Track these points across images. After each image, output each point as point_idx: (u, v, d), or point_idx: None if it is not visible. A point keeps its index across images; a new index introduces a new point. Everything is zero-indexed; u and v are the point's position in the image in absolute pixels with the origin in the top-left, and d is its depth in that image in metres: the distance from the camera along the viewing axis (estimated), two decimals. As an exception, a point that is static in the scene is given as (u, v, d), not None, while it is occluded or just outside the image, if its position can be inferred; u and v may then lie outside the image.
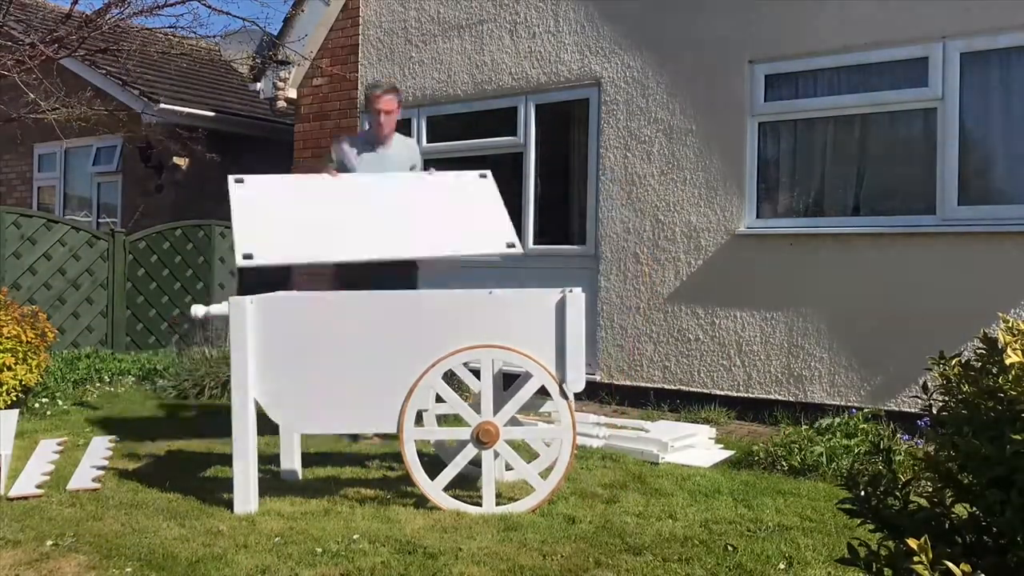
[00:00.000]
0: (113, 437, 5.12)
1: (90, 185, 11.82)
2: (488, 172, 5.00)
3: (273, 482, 4.05)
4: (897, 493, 1.87)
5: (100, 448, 4.79)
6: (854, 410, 5.09)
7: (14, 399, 5.68)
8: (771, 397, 5.97)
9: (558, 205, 7.14)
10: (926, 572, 1.54)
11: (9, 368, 5.56)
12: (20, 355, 5.64)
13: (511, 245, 4.52)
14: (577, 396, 4.20)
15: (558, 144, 7.17)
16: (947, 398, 1.91)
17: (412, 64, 7.94)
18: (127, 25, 8.70)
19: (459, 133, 7.71)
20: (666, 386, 6.42)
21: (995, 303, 5.05)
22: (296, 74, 8.75)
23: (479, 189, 4.84)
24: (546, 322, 3.64)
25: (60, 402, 6.27)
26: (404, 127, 8.05)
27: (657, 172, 6.50)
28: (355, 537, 3.26)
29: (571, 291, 3.65)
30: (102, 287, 8.60)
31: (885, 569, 1.67)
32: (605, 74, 6.78)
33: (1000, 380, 1.76)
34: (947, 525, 1.78)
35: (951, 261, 5.39)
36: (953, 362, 1.93)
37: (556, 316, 3.64)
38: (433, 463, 4.05)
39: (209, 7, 7.98)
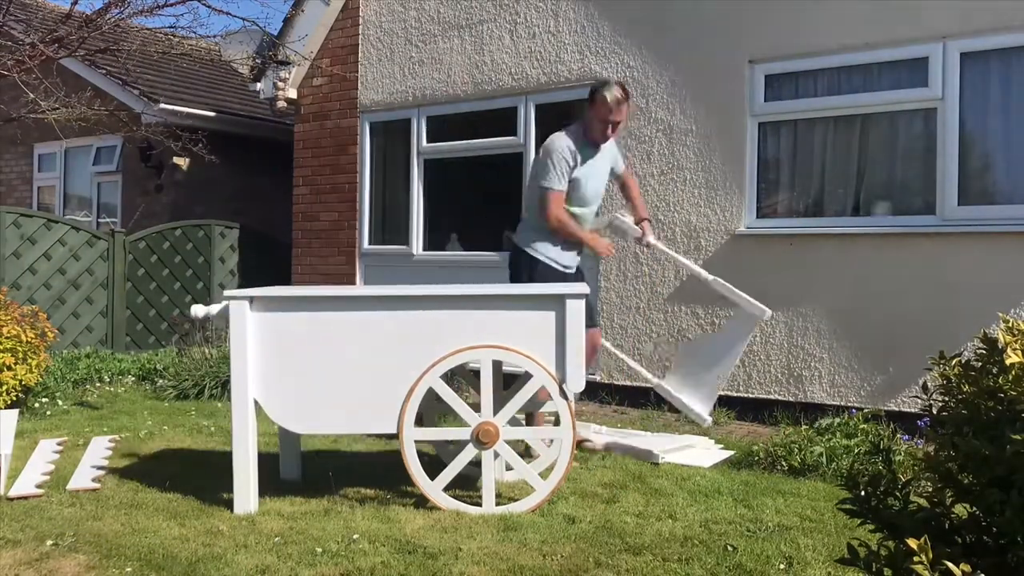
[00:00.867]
0: (113, 437, 5.12)
1: (90, 185, 11.82)
2: None
3: (273, 482, 4.05)
4: (897, 493, 1.87)
5: (100, 448, 4.79)
6: (854, 410, 5.09)
7: (14, 399, 5.68)
8: (771, 397, 5.97)
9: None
10: (926, 572, 1.54)
11: (9, 368, 5.56)
12: (20, 355, 5.64)
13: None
14: (577, 396, 4.21)
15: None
16: (947, 398, 1.91)
17: (412, 64, 7.94)
18: (127, 25, 8.70)
19: (459, 133, 7.71)
20: (666, 386, 6.41)
21: (995, 303, 5.05)
22: (296, 74, 8.75)
23: None
24: (546, 322, 3.64)
25: (60, 402, 6.27)
26: (404, 127, 8.07)
27: (657, 172, 6.50)
28: (355, 537, 3.26)
29: (572, 291, 3.65)
30: (102, 287, 8.61)
31: (885, 569, 1.67)
32: (605, 74, 6.78)
33: (1000, 380, 1.76)
34: (947, 525, 1.78)
35: (951, 261, 5.39)
36: (953, 362, 1.93)
37: (557, 316, 3.64)
38: (433, 463, 4.05)
39: (209, 7, 7.97)
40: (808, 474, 4.28)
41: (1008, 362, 1.74)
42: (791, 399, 5.90)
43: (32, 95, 8.06)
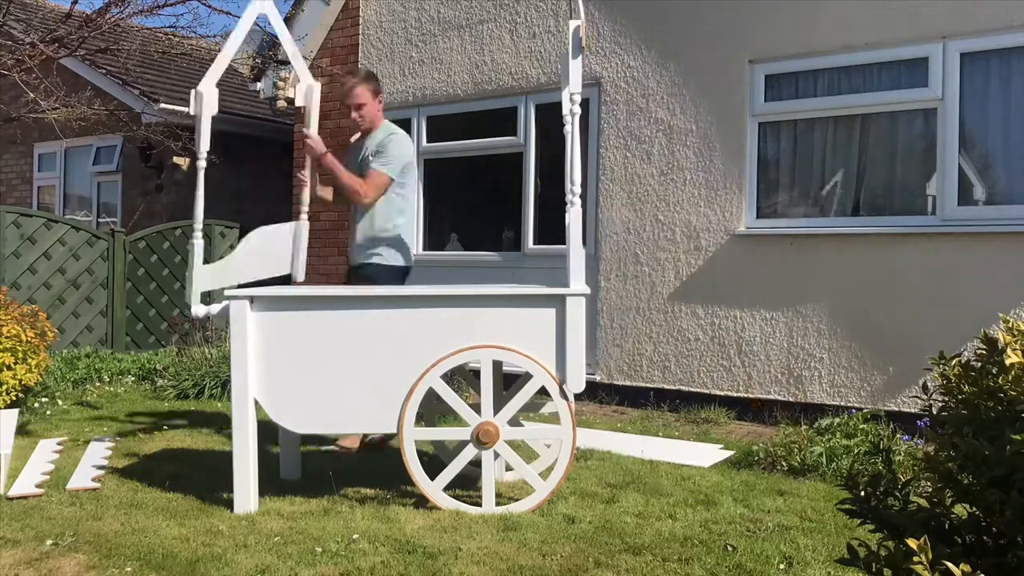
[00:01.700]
0: (113, 437, 5.12)
1: (90, 185, 11.82)
2: None
3: (273, 482, 4.05)
4: (897, 493, 1.87)
5: (100, 448, 4.79)
6: (854, 410, 5.09)
7: (14, 399, 5.67)
8: (771, 397, 5.97)
9: (558, 205, 7.14)
10: (926, 572, 1.53)
11: (9, 368, 5.56)
12: (20, 355, 5.64)
13: None
14: (577, 396, 4.21)
15: (558, 144, 7.16)
16: (947, 398, 1.91)
17: (412, 64, 7.94)
18: (127, 25, 8.69)
19: (459, 133, 7.71)
20: (666, 386, 6.41)
21: (995, 303, 5.06)
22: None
23: None
24: (546, 322, 3.64)
25: (60, 402, 6.27)
26: (404, 126, 8.05)
27: (657, 172, 6.50)
28: (355, 537, 3.26)
29: (572, 291, 3.65)
30: (102, 287, 8.60)
31: (885, 569, 1.67)
32: (605, 74, 6.78)
33: (1000, 380, 1.76)
34: (947, 525, 1.78)
35: (951, 261, 5.39)
36: (953, 362, 1.93)
37: (556, 316, 3.63)
38: (433, 463, 4.05)
39: (209, 7, 7.97)
40: (808, 474, 4.28)
41: (1008, 362, 1.74)
42: (791, 399, 5.90)
43: (32, 95, 8.06)
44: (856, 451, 4.32)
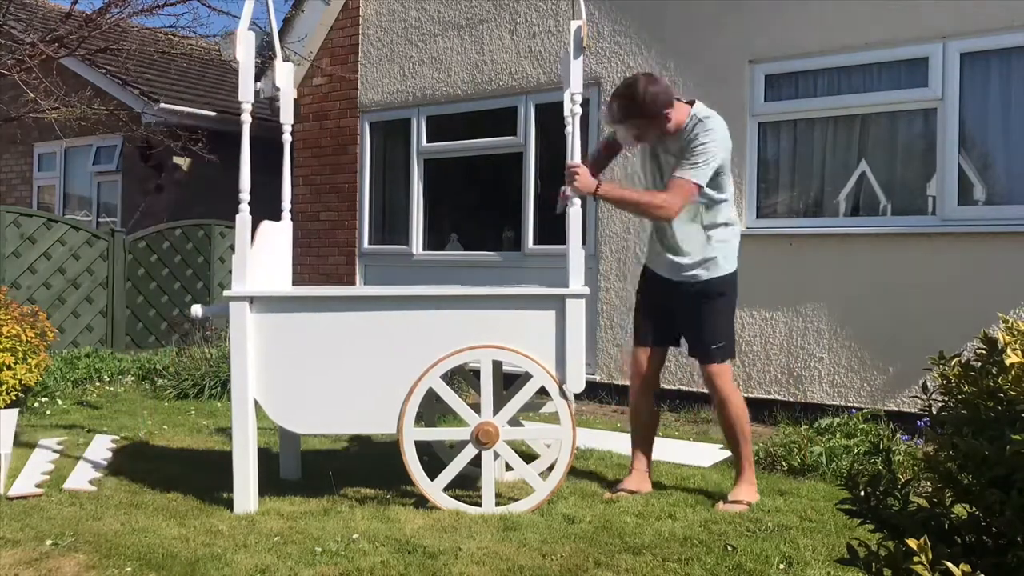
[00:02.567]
0: (113, 437, 5.12)
1: (90, 185, 11.82)
2: None
3: (273, 482, 4.05)
4: (897, 493, 1.87)
5: (100, 448, 4.79)
6: (854, 410, 5.10)
7: (14, 399, 5.67)
8: (771, 397, 5.97)
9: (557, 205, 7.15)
10: (926, 572, 1.53)
11: (9, 368, 5.55)
12: (20, 354, 5.63)
13: None
14: (577, 396, 4.20)
15: (558, 144, 7.16)
16: (947, 398, 1.90)
17: (412, 64, 7.94)
18: (127, 24, 8.70)
19: (459, 133, 7.71)
20: (666, 386, 6.41)
21: (995, 303, 5.05)
22: (296, 74, 8.74)
23: None
24: (546, 322, 3.64)
25: (60, 402, 6.27)
26: (404, 126, 8.06)
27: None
28: (355, 537, 3.26)
29: (572, 291, 3.64)
30: (102, 286, 8.61)
31: (885, 569, 1.67)
32: (605, 74, 6.78)
33: (1000, 380, 1.76)
34: (947, 525, 1.78)
35: (951, 261, 5.39)
36: (953, 362, 1.93)
37: (557, 316, 3.63)
38: (433, 463, 4.05)
39: (209, 7, 7.98)
40: (808, 474, 4.28)
41: (1008, 362, 1.73)
42: (791, 399, 5.90)
43: (32, 94, 8.06)
44: (856, 451, 4.32)
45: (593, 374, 6.63)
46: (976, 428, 1.75)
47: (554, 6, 7.09)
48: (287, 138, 4.42)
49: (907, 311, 5.51)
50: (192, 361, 7.03)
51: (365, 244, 8.31)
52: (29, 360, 5.70)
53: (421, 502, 3.71)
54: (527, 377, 3.65)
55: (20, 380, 5.62)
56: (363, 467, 4.47)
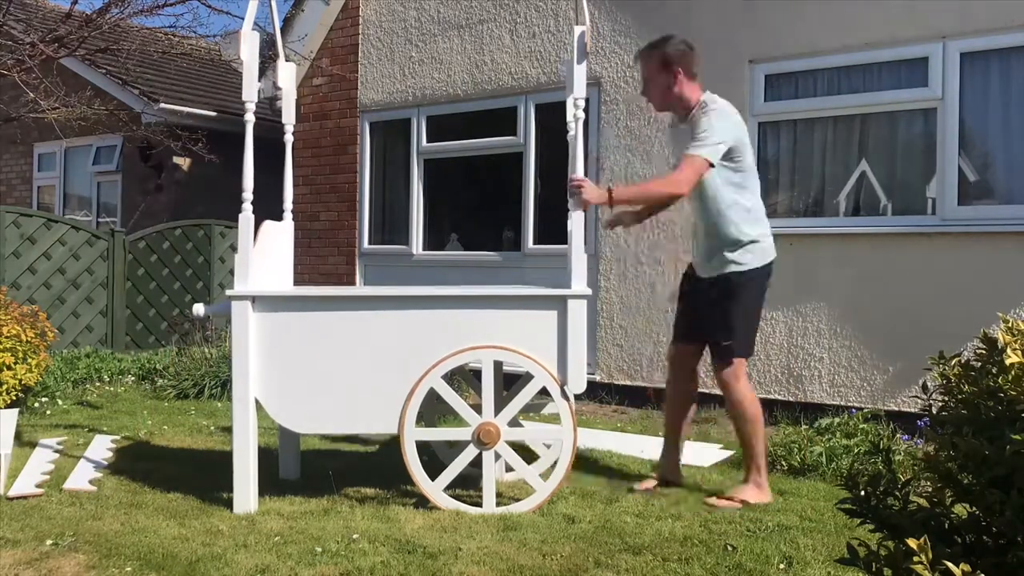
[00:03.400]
0: (113, 437, 5.12)
1: (90, 185, 11.82)
2: None
3: (273, 482, 4.05)
4: (897, 493, 1.87)
5: (100, 448, 4.79)
6: (854, 410, 5.10)
7: (14, 399, 5.67)
8: (771, 397, 5.97)
9: (558, 205, 7.16)
10: (926, 572, 1.53)
11: (9, 368, 5.56)
12: (20, 355, 5.63)
13: None
14: (577, 396, 4.20)
15: (558, 144, 7.17)
16: (947, 398, 1.90)
17: (412, 64, 7.94)
18: (127, 25, 8.70)
19: (459, 133, 7.71)
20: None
21: (995, 303, 5.05)
22: (296, 74, 8.75)
23: None
24: (548, 323, 3.64)
25: (60, 402, 6.27)
26: (403, 126, 8.06)
27: (657, 172, 6.50)
28: (355, 537, 3.26)
29: (574, 292, 3.64)
30: (102, 287, 8.61)
31: (885, 569, 1.67)
32: (605, 74, 6.78)
33: (1000, 380, 1.76)
34: (947, 525, 1.78)
35: (951, 261, 5.39)
36: (953, 362, 1.93)
37: (558, 316, 3.63)
38: (433, 463, 4.05)
39: (209, 7, 7.98)
40: (808, 474, 4.28)
41: (1008, 362, 1.73)
42: (791, 399, 5.90)
43: (32, 95, 8.06)
44: (856, 451, 4.32)
45: (593, 374, 6.63)
46: (976, 428, 1.75)
47: (554, 6, 7.09)
48: (289, 138, 4.42)
49: (907, 311, 5.51)
50: (192, 361, 7.03)
51: (365, 244, 8.32)
52: (29, 360, 5.70)
53: (421, 502, 3.71)
54: (528, 377, 3.65)
55: (20, 380, 5.62)
56: (363, 467, 4.47)
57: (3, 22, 8.22)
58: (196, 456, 4.72)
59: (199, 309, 4.00)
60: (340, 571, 2.94)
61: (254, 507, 3.64)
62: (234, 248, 9.62)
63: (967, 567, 1.50)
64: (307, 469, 4.28)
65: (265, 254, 4.00)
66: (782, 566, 3.00)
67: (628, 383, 6.60)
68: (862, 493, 1.89)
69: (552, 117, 7.00)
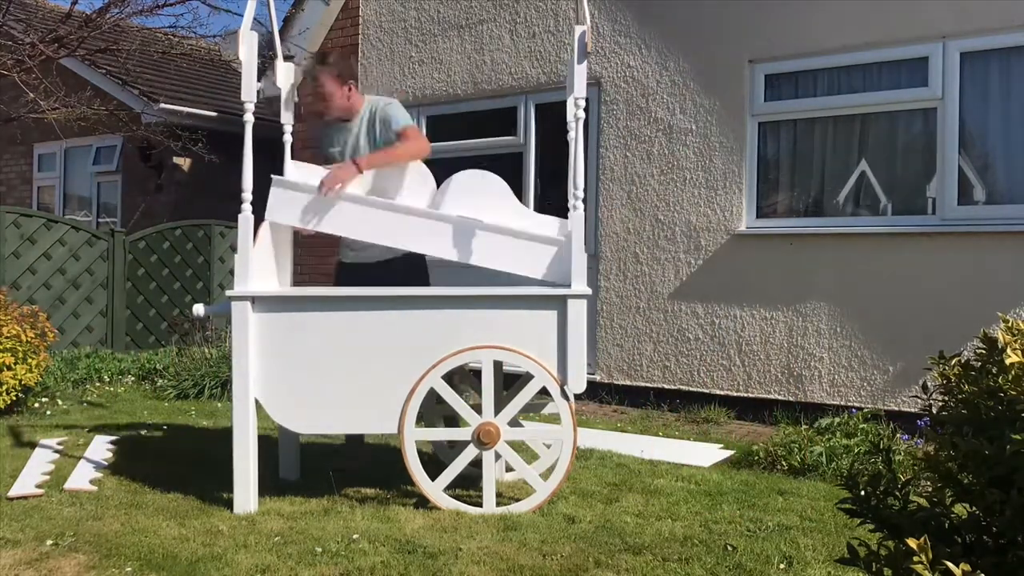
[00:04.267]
0: (113, 437, 5.12)
1: (90, 185, 11.82)
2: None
3: (273, 482, 4.05)
4: (897, 493, 1.87)
5: (100, 448, 4.79)
6: (854, 410, 5.10)
7: (14, 399, 5.68)
8: (771, 397, 5.97)
9: (558, 204, 7.16)
10: (926, 572, 1.54)
11: (9, 368, 5.57)
12: (20, 355, 5.65)
13: None
14: (577, 396, 4.20)
15: (558, 144, 7.17)
16: (947, 398, 1.91)
17: (412, 64, 7.94)
18: (127, 25, 8.71)
19: (459, 133, 7.71)
20: (666, 386, 6.42)
21: (995, 303, 5.05)
22: (296, 74, 8.74)
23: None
24: (548, 323, 3.64)
25: (60, 402, 6.27)
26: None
27: (657, 172, 6.50)
28: (355, 537, 3.26)
29: (574, 292, 3.64)
30: (102, 287, 8.61)
31: (885, 569, 1.67)
32: (605, 74, 6.78)
33: (1000, 380, 1.76)
34: (947, 525, 1.78)
35: (951, 261, 5.39)
36: (953, 362, 1.93)
37: (558, 316, 3.63)
38: (433, 463, 4.05)
39: (209, 6, 7.98)
40: (808, 474, 4.28)
41: (1008, 362, 1.74)
42: (791, 399, 5.90)
43: (32, 95, 8.07)
44: (856, 451, 4.32)
45: (593, 374, 6.63)
46: (976, 428, 1.76)
47: (554, 6, 7.09)
48: (288, 138, 4.42)
49: (907, 311, 5.51)
50: (192, 361, 7.03)
51: (365, 244, 8.30)
52: (29, 360, 5.72)
53: (421, 502, 3.71)
54: (528, 377, 3.66)
55: (20, 380, 5.64)
56: (363, 467, 4.47)
57: (3, 22, 8.22)
58: (196, 456, 4.72)
59: (199, 309, 4.00)
60: (340, 571, 2.94)
61: (254, 507, 3.64)
62: (234, 248, 9.64)
63: (967, 567, 1.50)
64: (307, 469, 4.28)
65: (265, 254, 4.00)
66: (782, 566, 3.01)
67: (628, 383, 6.60)
68: (862, 493, 1.89)
69: (552, 117, 7.00)
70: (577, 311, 3.62)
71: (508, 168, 7.34)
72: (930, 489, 1.85)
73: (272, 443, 4.44)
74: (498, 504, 3.64)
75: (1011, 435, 1.62)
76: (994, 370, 1.80)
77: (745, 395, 6.08)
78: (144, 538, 3.26)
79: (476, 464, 3.71)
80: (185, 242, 9.33)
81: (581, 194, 3.69)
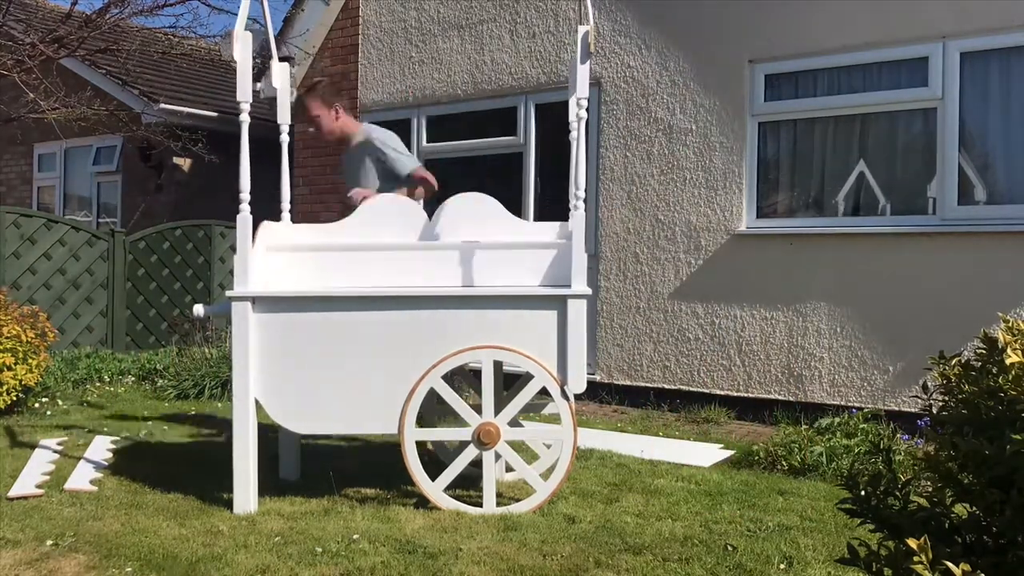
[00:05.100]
0: (113, 437, 5.12)
1: (90, 185, 11.82)
2: None
3: (273, 482, 4.05)
4: (897, 493, 1.87)
5: (100, 448, 4.79)
6: (854, 410, 5.10)
7: (14, 399, 5.68)
8: (771, 397, 5.97)
9: (558, 204, 7.16)
10: (926, 572, 1.54)
11: (9, 368, 5.57)
12: (20, 355, 5.65)
13: None
14: (577, 396, 4.21)
15: (558, 144, 7.17)
16: (947, 398, 1.91)
17: (412, 64, 7.94)
18: (127, 25, 8.71)
19: (459, 133, 7.71)
20: (666, 386, 6.42)
21: (995, 303, 5.05)
22: (296, 74, 8.75)
23: None
24: (548, 323, 3.64)
25: (60, 402, 6.27)
26: (404, 126, 8.05)
27: (657, 172, 6.50)
28: (355, 537, 3.26)
29: (574, 292, 3.65)
30: (102, 287, 8.61)
31: (885, 569, 1.67)
32: (605, 74, 6.78)
33: (1000, 380, 1.76)
34: (947, 525, 1.78)
35: (951, 261, 5.39)
36: (953, 362, 1.93)
37: (558, 316, 3.63)
38: (433, 463, 4.05)
39: (209, 7, 7.99)
40: (808, 474, 4.28)
41: (1008, 362, 1.74)
42: (791, 399, 5.90)
43: (32, 95, 8.07)
44: (856, 451, 4.32)
45: (593, 374, 6.63)
46: (976, 428, 1.76)
47: (554, 6, 7.09)
48: (284, 138, 4.42)
49: (907, 311, 5.51)
50: (192, 361, 7.03)
51: (365, 244, 8.30)
52: (29, 360, 5.72)
53: (421, 502, 3.71)
54: (528, 377, 3.66)
55: (20, 380, 5.64)
56: (363, 467, 4.47)
57: (3, 22, 8.22)
58: (196, 456, 4.72)
59: (199, 310, 4.00)
60: (340, 571, 2.94)
61: (254, 507, 3.64)
62: (234, 248, 9.65)
63: (967, 567, 1.50)
64: (307, 469, 4.28)
65: (264, 254, 3.99)
66: (782, 566, 3.01)
67: (628, 383, 6.60)
68: (862, 493, 1.89)
69: (552, 117, 7.00)
70: (577, 311, 3.62)
71: (508, 168, 7.34)
72: (930, 489, 1.85)
73: (272, 443, 4.44)
74: (498, 504, 3.64)
75: (1011, 435, 1.62)
76: (994, 370, 1.80)
77: (745, 395, 6.08)
78: (144, 538, 3.26)
79: (476, 464, 3.71)
80: (185, 242, 9.33)
81: (582, 194, 3.68)
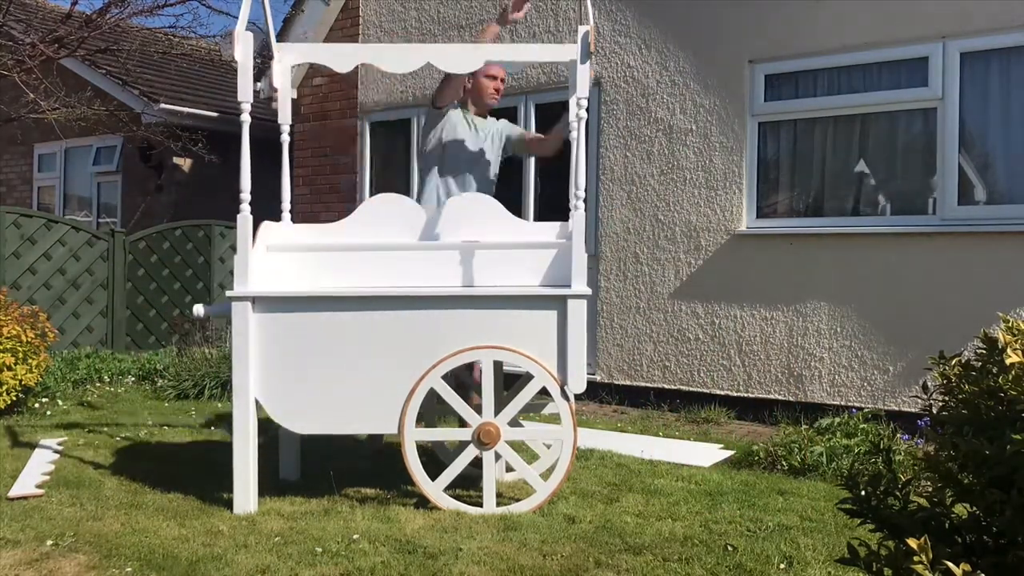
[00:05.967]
0: (113, 437, 5.12)
1: (90, 185, 11.82)
2: None
3: (273, 482, 4.05)
4: (897, 493, 1.87)
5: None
6: (854, 410, 5.10)
7: (14, 399, 5.68)
8: (771, 397, 5.97)
9: (558, 205, 7.16)
10: (926, 572, 1.54)
11: (9, 368, 5.57)
12: (20, 355, 5.65)
13: None
14: (577, 396, 4.21)
15: (558, 144, 7.18)
16: (947, 398, 1.91)
17: (412, 64, 7.93)
18: (127, 25, 8.71)
19: (459, 133, 7.70)
20: (666, 386, 6.42)
21: (995, 303, 5.05)
22: (296, 74, 8.75)
23: None
24: (548, 323, 3.64)
25: (60, 402, 6.27)
26: (404, 127, 8.06)
27: (657, 172, 6.51)
28: (355, 537, 3.26)
29: (574, 292, 3.65)
30: (102, 287, 8.61)
31: (885, 569, 1.67)
32: (605, 74, 6.78)
33: (1000, 380, 1.76)
34: (947, 525, 1.78)
35: (951, 261, 5.39)
36: (953, 362, 1.93)
37: (558, 316, 3.63)
38: (433, 463, 4.05)
39: (209, 7, 8.00)
40: (808, 474, 4.28)
41: (1008, 362, 1.74)
42: (791, 399, 5.90)
43: (32, 95, 8.07)
44: (856, 451, 4.32)
45: (593, 374, 6.63)
46: (976, 428, 1.76)
47: (554, 6, 7.09)
48: (285, 138, 4.41)
49: (907, 311, 5.51)
50: (192, 362, 7.03)
51: (365, 244, 8.30)
52: (29, 361, 5.72)
53: (422, 502, 3.71)
54: (528, 378, 3.66)
55: (20, 380, 5.64)
56: (363, 467, 4.47)
57: (3, 22, 8.22)
58: (196, 456, 4.72)
59: (199, 310, 4.00)
60: (340, 571, 2.94)
61: (254, 507, 3.64)
62: (234, 248, 9.66)
63: (967, 567, 1.50)
64: (307, 469, 4.28)
65: (264, 254, 3.99)
66: (782, 566, 3.01)
67: (628, 383, 6.60)
68: (862, 493, 1.89)
69: (551, 117, 7.00)
70: (577, 311, 3.62)
71: (508, 168, 7.33)
72: (930, 489, 1.85)
73: (272, 443, 4.44)
74: (498, 504, 3.64)
75: (1011, 435, 1.62)
76: (994, 370, 1.80)
77: (745, 395, 6.08)
78: (144, 538, 3.26)
79: (476, 464, 3.71)
80: (185, 242, 9.33)
81: (582, 194, 3.68)
